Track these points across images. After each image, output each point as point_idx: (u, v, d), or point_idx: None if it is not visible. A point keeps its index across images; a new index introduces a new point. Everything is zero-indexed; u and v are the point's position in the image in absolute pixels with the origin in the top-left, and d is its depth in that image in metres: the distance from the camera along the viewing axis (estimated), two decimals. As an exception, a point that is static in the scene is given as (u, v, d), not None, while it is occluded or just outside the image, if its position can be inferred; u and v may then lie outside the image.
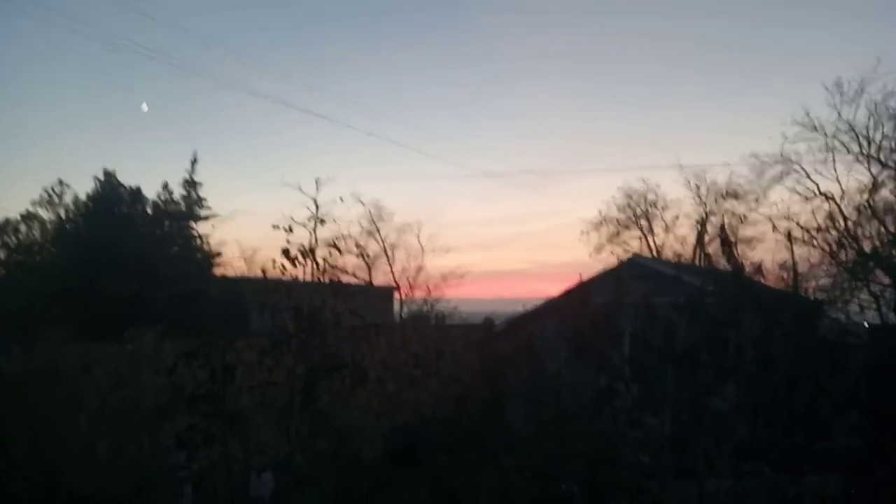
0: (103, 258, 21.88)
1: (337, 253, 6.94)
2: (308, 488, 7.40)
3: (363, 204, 34.12)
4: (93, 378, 9.78)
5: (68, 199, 26.51)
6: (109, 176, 25.21)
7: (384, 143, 64.64)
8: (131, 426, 9.10)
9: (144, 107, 44.62)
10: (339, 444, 7.28)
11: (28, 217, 26.37)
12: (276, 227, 6.58)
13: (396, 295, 32.60)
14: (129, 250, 22.80)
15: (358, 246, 31.44)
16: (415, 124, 65.55)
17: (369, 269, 34.05)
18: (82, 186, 26.34)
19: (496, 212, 67.17)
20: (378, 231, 34.93)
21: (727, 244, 10.37)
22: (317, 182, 6.86)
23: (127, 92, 50.64)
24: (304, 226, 6.65)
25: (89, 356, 10.20)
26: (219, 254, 28.01)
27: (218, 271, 27.17)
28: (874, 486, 8.52)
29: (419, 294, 34.33)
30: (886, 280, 19.19)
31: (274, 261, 6.55)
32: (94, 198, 25.17)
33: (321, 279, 6.76)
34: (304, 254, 6.52)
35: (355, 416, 9.17)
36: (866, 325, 16.49)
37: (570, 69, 63.70)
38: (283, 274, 6.55)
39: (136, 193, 25.67)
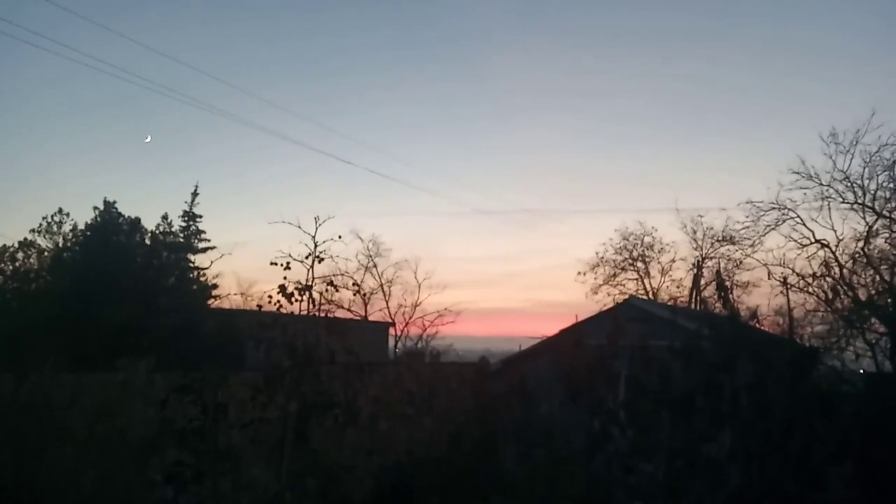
0: (99, 287, 21.86)
1: (333, 289, 6.96)
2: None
3: (361, 239, 34.29)
4: (82, 408, 9.69)
5: (67, 227, 26.63)
6: (109, 206, 25.33)
7: (383, 180, 65.24)
8: (119, 458, 8.98)
9: (147, 139, 45.07)
10: (329, 483, 7.19)
11: (26, 244, 26.42)
12: (273, 263, 6.63)
13: (392, 331, 32.53)
14: (125, 280, 22.79)
15: (355, 283, 31.48)
16: (414, 161, 66.25)
17: (365, 304, 34.02)
18: (82, 216, 26.50)
19: (492, 250, 67.53)
20: (375, 266, 35.01)
21: (723, 288, 10.41)
22: (316, 220, 6.92)
23: (130, 123, 51.25)
24: (302, 262, 6.69)
25: (80, 385, 10.10)
26: (215, 286, 28.03)
27: (214, 304, 27.16)
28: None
29: (414, 330, 34.26)
30: (882, 328, 19.21)
31: (270, 296, 6.58)
32: (92, 227, 25.25)
33: (317, 314, 6.76)
34: (300, 290, 6.55)
35: (346, 454, 9.08)
36: (862, 372, 16.47)
37: (568, 109, 64.69)
38: (279, 309, 6.56)
39: (136, 224, 25.77)
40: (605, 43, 60.51)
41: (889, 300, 19.65)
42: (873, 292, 20.45)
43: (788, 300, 19.87)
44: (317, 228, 6.89)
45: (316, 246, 6.79)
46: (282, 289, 6.51)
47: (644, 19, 58.69)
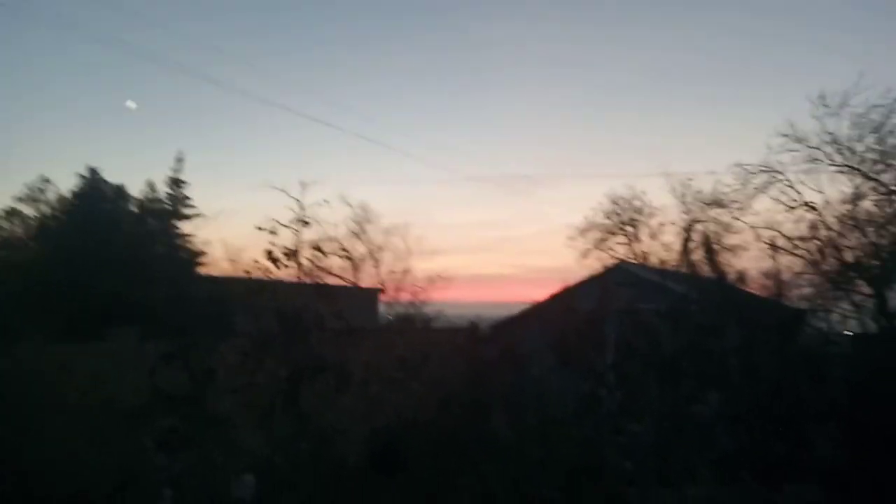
0: (86, 256, 21.67)
1: (321, 255, 6.90)
2: (289, 491, 7.34)
3: (350, 206, 34.09)
4: (73, 378, 9.66)
5: (51, 195, 26.26)
6: (94, 173, 24.99)
7: (372, 146, 64.62)
8: (110, 426, 8.99)
9: (131, 104, 44.36)
10: (320, 446, 7.22)
11: (10, 213, 26.08)
12: (260, 228, 6.55)
13: (382, 297, 32.54)
14: (113, 248, 22.59)
15: (343, 248, 31.36)
16: (403, 128, 65.51)
17: (355, 270, 33.95)
18: (66, 184, 26.13)
19: (483, 216, 67.29)
20: (364, 233, 34.88)
21: (711, 252, 10.44)
22: (302, 184, 6.83)
23: (113, 90, 50.29)
24: (289, 227, 6.62)
25: (70, 355, 10.06)
26: (203, 253, 27.83)
27: (202, 271, 27.01)
28: (853, 497, 8.58)
29: (405, 296, 34.28)
30: (867, 290, 19.40)
31: (257, 261, 6.51)
32: (77, 195, 24.93)
33: (305, 280, 6.72)
34: (287, 255, 6.49)
35: (338, 418, 9.10)
36: (848, 334, 16.65)
37: (558, 76, 64.04)
38: (267, 275, 6.51)
39: (120, 191, 25.46)
40: (594, 10, 59.71)
41: (875, 262, 19.80)
42: (860, 254, 20.59)
43: (776, 263, 19.96)
44: (302, 193, 6.81)
45: (303, 210, 6.71)
46: (268, 254, 6.45)
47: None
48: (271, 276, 6.53)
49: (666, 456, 8.24)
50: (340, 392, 6.95)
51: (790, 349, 9.08)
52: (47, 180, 26.41)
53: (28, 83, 46.60)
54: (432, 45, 65.55)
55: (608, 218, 33.48)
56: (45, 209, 26.26)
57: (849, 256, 20.66)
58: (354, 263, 33.86)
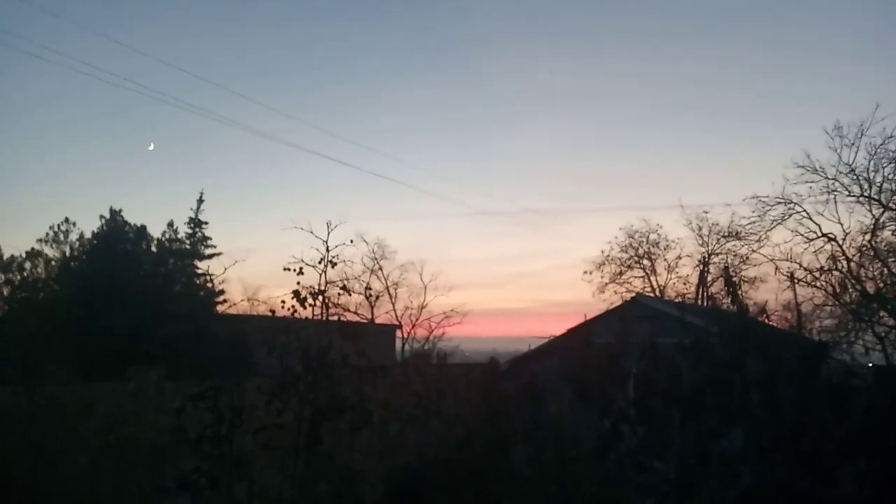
0: (106, 295, 21.96)
1: (346, 294, 7.00)
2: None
3: (366, 242, 34.35)
4: (95, 417, 9.74)
5: (73, 236, 26.74)
6: (115, 214, 25.45)
7: (388, 183, 65.32)
8: (132, 467, 9.03)
9: (151, 146, 45.28)
10: (341, 487, 7.22)
11: (33, 254, 26.54)
12: (287, 269, 6.67)
13: (398, 333, 32.58)
14: (132, 288, 22.88)
15: (367, 287, 31.56)
16: (418, 164, 66.34)
17: (371, 307, 34.06)
18: (88, 225, 26.61)
19: (498, 251, 67.54)
20: (381, 269, 35.05)
21: (731, 284, 10.40)
22: (328, 225, 6.97)
23: (135, 132, 51.47)
24: (314, 267, 6.73)
25: (91, 394, 10.16)
26: (222, 292, 28.10)
27: (221, 310, 27.23)
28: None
29: (421, 332, 34.28)
30: (891, 321, 19.18)
31: (283, 301, 6.61)
32: (98, 235, 25.36)
33: (327, 318, 6.80)
34: (314, 295, 6.59)
35: (357, 458, 9.12)
36: (871, 366, 16.42)
37: (572, 110, 64.70)
38: (292, 314, 6.60)
39: (141, 231, 25.88)
40: (607, 44, 60.60)
41: (897, 293, 19.60)
42: (881, 285, 20.42)
43: (796, 295, 19.74)
44: (329, 233, 6.94)
45: (328, 250, 6.84)
46: (296, 294, 6.55)
47: (645, 20, 58.78)
48: (296, 315, 6.62)
49: (689, 493, 8.13)
50: (360, 431, 6.96)
51: (813, 382, 8.98)
52: (70, 222, 26.92)
53: (51, 126, 47.77)
54: (445, 83, 66.61)
55: (624, 251, 33.54)
56: (67, 250, 26.71)
57: (870, 287, 20.50)
58: (372, 300, 34.05)
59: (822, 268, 21.57)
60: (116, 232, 25.37)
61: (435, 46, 65.40)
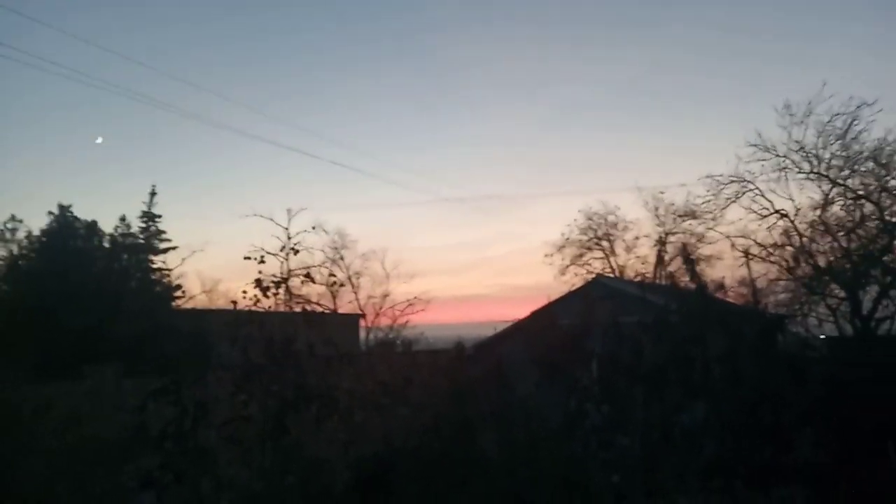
0: (58, 293, 21.35)
1: (309, 282, 6.89)
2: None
3: (326, 232, 34.00)
4: (50, 417, 9.47)
5: (21, 234, 25.85)
6: (64, 210, 24.71)
7: (346, 172, 64.66)
8: (91, 466, 8.80)
9: (98, 139, 44.07)
10: (309, 477, 7.13)
11: (-21, 254, 25.62)
12: (248, 258, 6.53)
13: (362, 322, 32.40)
14: (86, 285, 22.30)
15: (331, 275, 31.23)
16: (377, 153, 65.80)
17: (334, 297, 33.77)
18: (37, 222, 25.77)
19: (459, 237, 67.56)
20: (342, 259, 34.76)
21: (689, 262, 10.56)
22: (289, 212, 6.84)
23: (83, 126, 49.91)
24: (276, 256, 6.60)
25: (47, 395, 9.88)
26: (179, 286, 27.58)
27: (179, 304, 26.72)
28: (838, 496, 8.67)
29: (385, 321, 34.15)
30: (842, 294, 19.75)
31: (245, 292, 6.46)
32: (48, 232, 24.61)
33: (291, 309, 6.69)
34: (276, 284, 6.46)
35: (323, 447, 9.03)
36: (824, 337, 16.91)
37: (528, 96, 64.86)
38: (254, 305, 6.46)
39: (93, 227, 25.20)
40: (562, 30, 60.77)
41: (847, 266, 20.18)
42: (832, 259, 21.00)
43: (751, 271, 20.27)
44: (290, 220, 6.81)
45: (289, 238, 6.71)
46: (258, 283, 6.41)
47: (598, 6, 59.04)
48: (259, 305, 6.48)
49: (654, 467, 8.26)
50: (325, 420, 6.88)
51: (771, 355, 9.18)
52: (17, 219, 26.03)
53: (-5, 122, 46.04)
54: (403, 70, 66.14)
55: (584, 234, 33.84)
56: (16, 248, 25.85)
57: (822, 261, 21.08)
58: (334, 290, 33.76)
59: (775, 243, 22.09)
60: (66, 228, 24.66)
61: (393, 34, 64.85)
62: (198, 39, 56.67)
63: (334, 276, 31.58)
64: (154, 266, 27.06)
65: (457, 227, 66.11)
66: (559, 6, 60.49)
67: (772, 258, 21.96)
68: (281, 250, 6.63)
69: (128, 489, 8.37)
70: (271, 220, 28.84)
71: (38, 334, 19.15)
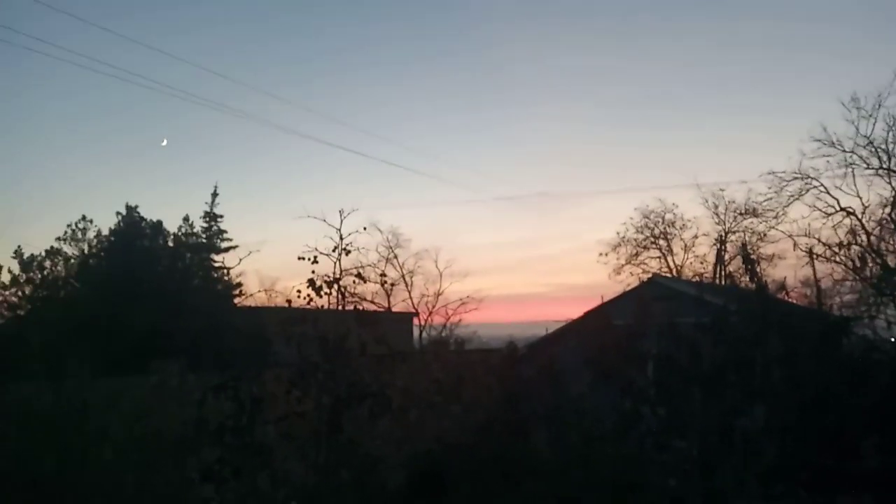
0: (125, 291, 22.17)
1: (361, 281, 7.01)
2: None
3: (380, 231, 34.40)
4: (119, 411, 9.86)
5: (91, 234, 26.93)
6: (131, 210, 25.64)
7: (400, 171, 65.23)
8: (157, 459, 9.13)
9: (164, 142, 45.62)
10: (362, 474, 7.25)
11: (52, 253, 26.77)
12: (301, 258, 6.68)
13: (415, 320, 32.66)
14: (151, 283, 23.09)
15: (382, 275, 31.59)
16: (430, 151, 66.12)
17: (388, 295, 34.12)
18: (106, 222, 26.79)
19: (513, 236, 67.36)
20: (396, 258, 35.11)
21: (749, 262, 10.31)
22: (341, 213, 6.97)
23: (149, 128, 51.70)
24: (329, 256, 6.74)
25: (115, 389, 10.28)
26: (239, 284, 28.31)
27: (239, 302, 27.43)
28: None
29: (438, 319, 34.34)
30: (912, 294, 18.91)
31: (299, 291, 6.63)
32: (116, 232, 25.57)
33: (344, 307, 6.81)
34: (329, 283, 6.59)
35: (378, 444, 9.17)
36: (894, 340, 16.22)
37: (584, 92, 64.17)
38: (308, 304, 6.61)
39: (158, 227, 26.07)
40: (619, 24, 59.81)
41: (919, 265, 19.35)
42: (902, 258, 20.15)
43: (815, 271, 19.61)
44: (342, 222, 6.95)
45: (342, 239, 6.85)
46: (311, 283, 6.56)
47: (655, -3, 57.88)
48: (313, 304, 6.63)
49: (711, 471, 8.10)
50: (380, 418, 6.98)
51: (835, 357, 8.90)
52: (88, 219, 27.14)
53: (66, 124, 48.14)
54: (456, 68, 66.29)
55: (640, 232, 33.31)
56: (86, 248, 26.95)
57: (891, 260, 20.26)
58: (388, 289, 34.12)
59: (841, 242, 21.34)
60: (133, 228, 25.58)
61: (444, 31, 65.07)
62: (255, 39, 58.05)
63: (385, 275, 31.88)
64: (215, 265, 27.84)
65: (511, 225, 66.04)
66: (612, 1, 59.61)
67: (837, 258, 21.23)
68: (333, 250, 6.75)
69: (191, 482, 8.68)
70: (324, 220, 29.26)
71: (106, 331, 19.93)
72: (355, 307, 7.00)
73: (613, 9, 59.76)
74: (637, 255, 33.33)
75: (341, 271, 6.72)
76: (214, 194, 27.44)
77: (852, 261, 20.78)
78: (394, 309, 33.52)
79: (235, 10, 57.21)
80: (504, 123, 65.80)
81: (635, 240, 33.30)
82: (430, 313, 34.99)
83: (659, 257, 33.41)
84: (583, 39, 60.52)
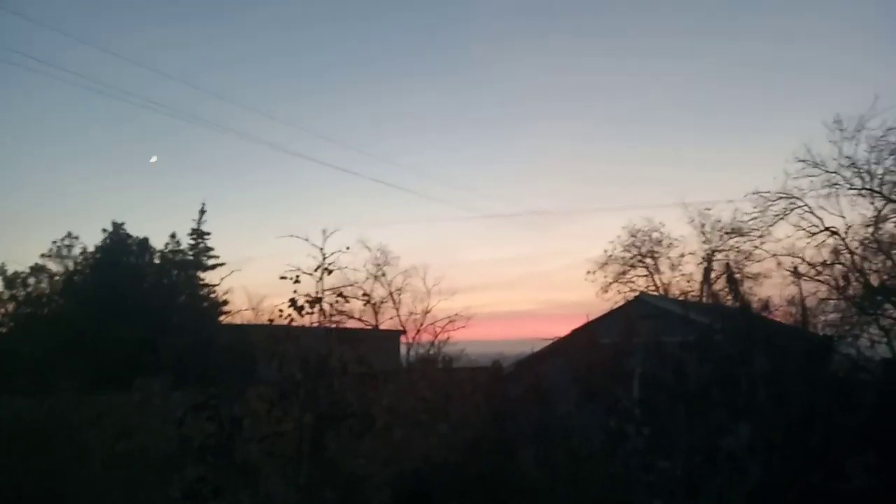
0: (111, 308, 21.99)
1: (344, 300, 6.99)
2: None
3: (369, 249, 34.33)
4: (102, 428, 9.76)
5: (76, 251, 26.74)
6: (118, 227, 25.49)
7: (390, 189, 65.28)
8: (139, 476, 9.04)
9: (153, 159, 45.53)
10: (346, 493, 7.20)
11: (37, 269, 26.54)
12: (283, 277, 6.66)
13: (403, 338, 32.52)
14: (137, 300, 22.92)
15: (365, 294, 31.43)
16: (420, 169, 66.34)
17: (375, 313, 33.98)
18: (91, 239, 26.61)
19: (502, 253, 67.42)
20: (384, 275, 35.00)
21: (734, 281, 10.39)
22: (324, 232, 6.95)
23: (136, 145, 51.59)
24: (311, 275, 6.72)
25: (99, 406, 10.19)
26: (226, 302, 28.15)
27: (225, 320, 27.26)
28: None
29: (426, 337, 34.20)
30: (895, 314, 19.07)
31: (281, 310, 6.60)
32: (102, 249, 25.40)
33: (328, 326, 6.79)
34: (311, 303, 6.57)
35: (362, 463, 9.11)
36: (878, 359, 16.33)
37: (574, 110, 64.70)
38: (290, 322, 6.59)
39: (144, 244, 25.92)
40: (609, 44, 60.50)
41: (902, 285, 19.51)
42: (885, 277, 20.31)
43: (800, 290, 19.74)
44: (325, 241, 6.93)
45: (325, 258, 6.83)
46: (292, 302, 6.55)
47: (646, 19, 58.71)
48: (295, 323, 6.61)
49: (697, 491, 8.09)
50: (364, 437, 6.94)
51: (820, 376, 8.94)
52: (73, 236, 26.96)
53: (51, 141, 47.94)
54: (447, 85, 66.69)
55: (627, 250, 33.39)
56: (71, 264, 26.73)
57: (874, 280, 20.39)
58: (375, 307, 34.01)
59: (825, 262, 21.47)
60: (119, 245, 25.41)
61: (436, 48, 65.53)
62: (243, 57, 58.21)
63: (367, 295, 31.71)
64: (202, 282, 27.67)
65: (500, 242, 66.03)
66: (606, 20, 60.37)
67: (821, 277, 21.35)
68: (315, 270, 6.73)
69: (172, 500, 8.58)
70: (306, 240, 29.36)
71: (92, 347, 19.75)
72: (338, 325, 6.97)
73: (604, 28, 60.55)
74: (624, 273, 33.38)
75: (323, 290, 6.70)
76: (202, 211, 27.37)
77: (836, 280, 20.92)
78: (382, 327, 33.38)
79: (224, 28, 57.46)
80: (495, 141, 66.19)
81: (623, 258, 33.36)
82: (418, 331, 34.87)
83: (646, 275, 33.48)
84: (574, 59, 61.19)
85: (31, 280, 26.48)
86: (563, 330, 16.61)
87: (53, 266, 26.84)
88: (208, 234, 27.38)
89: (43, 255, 26.78)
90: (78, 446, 9.18)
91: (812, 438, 8.16)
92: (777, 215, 22.86)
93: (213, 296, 27.79)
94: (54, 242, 26.84)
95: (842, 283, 20.36)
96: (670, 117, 59.87)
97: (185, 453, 6.28)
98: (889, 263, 20.29)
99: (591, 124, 61.18)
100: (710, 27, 55.93)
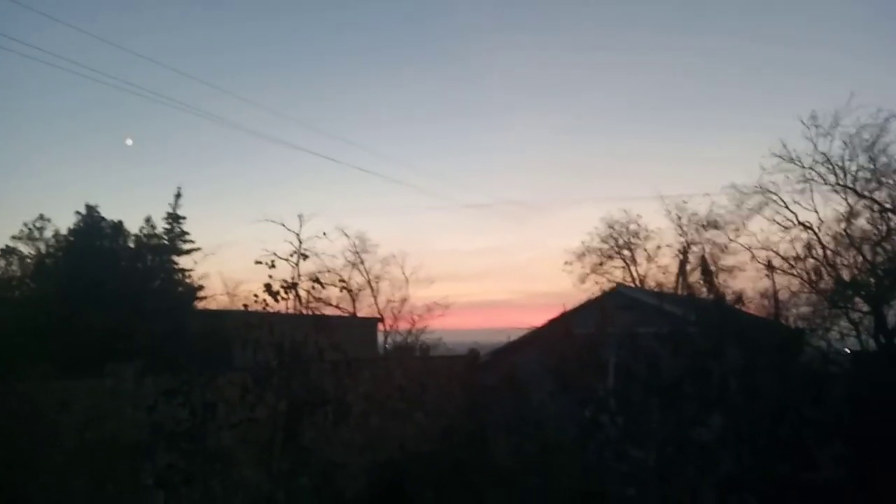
0: (83, 292, 21.64)
1: (320, 287, 6.92)
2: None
3: (347, 236, 34.17)
4: (72, 414, 9.61)
5: (49, 233, 26.27)
6: (91, 210, 25.05)
7: (369, 177, 64.98)
8: (110, 464, 8.92)
9: (128, 141, 44.80)
10: (321, 481, 7.17)
11: (7, 252, 26.06)
12: (258, 262, 6.59)
13: (380, 326, 32.45)
14: (110, 284, 22.57)
15: (341, 280, 31.28)
16: (399, 158, 66.09)
17: (353, 300, 33.87)
18: (64, 221, 26.13)
19: (480, 243, 67.55)
20: (362, 263, 34.87)
21: (708, 273, 10.48)
22: (300, 218, 6.89)
23: (111, 127, 50.67)
24: (287, 260, 6.66)
25: (68, 392, 10.02)
26: (201, 287, 27.85)
27: (201, 305, 26.99)
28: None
29: (403, 325, 34.16)
30: (865, 307, 19.42)
31: (256, 296, 6.53)
32: (75, 232, 24.96)
33: (304, 313, 6.74)
34: (286, 288, 6.51)
35: (338, 451, 9.08)
36: (847, 352, 16.61)
37: (552, 103, 64.77)
38: (265, 308, 6.52)
39: (118, 227, 25.50)
40: (586, 38, 60.49)
41: (871, 279, 19.86)
42: (856, 272, 20.66)
43: (773, 283, 20.01)
44: (300, 226, 6.86)
45: (301, 243, 6.76)
46: (267, 287, 6.48)
47: (623, 13, 58.71)
48: (269, 309, 6.53)
49: (669, 481, 8.18)
50: (340, 425, 6.91)
51: (791, 369, 9.06)
52: (45, 219, 26.46)
53: (26, 122, 46.96)
54: (426, 76, 66.41)
55: (604, 242, 33.64)
56: (43, 247, 26.27)
57: (845, 275, 20.74)
58: (352, 294, 33.89)
59: (798, 256, 21.81)
60: (93, 228, 24.98)
61: (416, 40, 65.11)
62: (222, 42, 57.33)
63: (345, 281, 31.62)
64: (177, 267, 27.35)
65: (478, 232, 66.05)
66: (584, 14, 60.30)
67: (794, 271, 21.68)
68: (291, 255, 6.67)
69: (144, 487, 8.48)
70: (282, 225, 29.32)
71: (62, 332, 19.44)
72: (313, 312, 6.92)
73: (582, 22, 60.58)
74: (602, 264, 33.63)
75: (299, 276, 6.65)
76: (178, 196, 26.96)
77: (808, 274, 21.25)
78: (359, 314, 33.28)
79: (203, 12, 56.53)
80: (474, 132, 66.06)
81: (600, 249, 33.60)
82: (396, 319, 34.81)
83: (623, 267, 33.75)
84: (555, 51, 61.09)
85: (1, 262, 26.01)
86: (540, 320, 16.69)
87: (24, 248, 26.37)
88: (184, 218, 27.02)
89: (13, 237, 26.28)
90: (45, 434, 9.02)
91: (783, 430, 8.28)
92: (752, 209, 23.17)
93: (188, 281, 27.48)
94: (25, 224, 26.35)
95: (814, 277, 20.70)
96: (648, 111, 60.18)
97: (156, 440, 6.20)
98: (860, 258, 20.65)
99: (569, 117, 61.31)
100: (688, 23, 56.21)
